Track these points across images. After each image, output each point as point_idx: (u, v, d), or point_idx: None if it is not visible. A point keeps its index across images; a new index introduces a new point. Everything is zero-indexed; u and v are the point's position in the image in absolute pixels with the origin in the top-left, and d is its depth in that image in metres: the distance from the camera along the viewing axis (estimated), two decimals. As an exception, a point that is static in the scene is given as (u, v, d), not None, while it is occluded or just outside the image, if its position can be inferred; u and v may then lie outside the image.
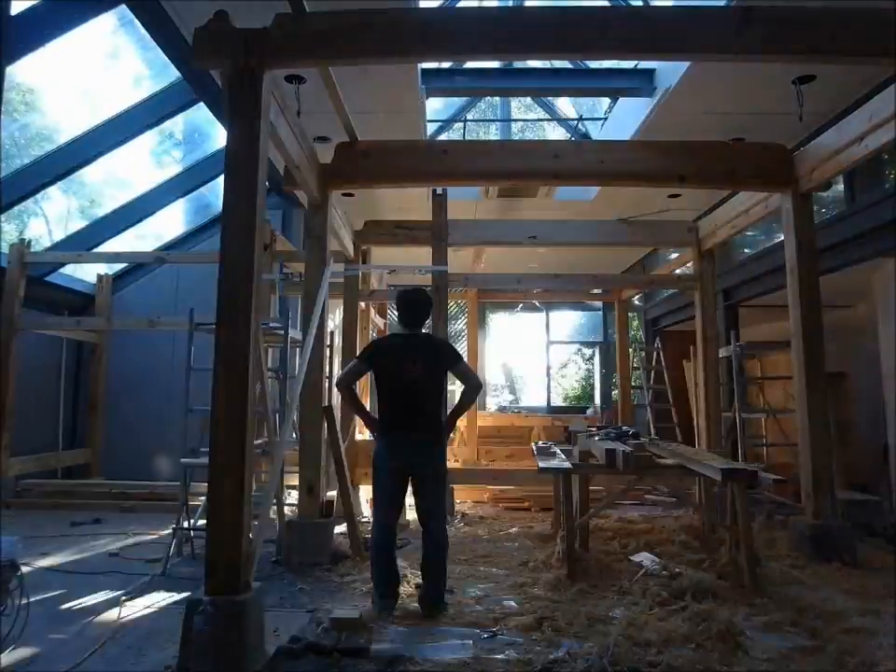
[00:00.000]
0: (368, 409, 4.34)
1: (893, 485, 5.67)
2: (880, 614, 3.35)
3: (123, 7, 4.82)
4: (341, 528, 4.97)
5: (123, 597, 3.69)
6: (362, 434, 7.04)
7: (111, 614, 3.45)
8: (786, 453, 6.36)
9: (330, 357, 6.24)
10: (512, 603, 3.61)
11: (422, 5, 5.48)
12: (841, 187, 5.87)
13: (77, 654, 2.89)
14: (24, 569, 3.03)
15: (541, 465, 4.56)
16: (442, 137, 9.06)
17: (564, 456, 5.05)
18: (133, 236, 8.11)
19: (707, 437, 6.38)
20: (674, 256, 8.82)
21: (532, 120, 12.36)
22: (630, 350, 10.11)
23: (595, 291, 10.67)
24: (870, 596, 3.68)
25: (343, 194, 6.53)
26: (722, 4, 4.99)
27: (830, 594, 3.75)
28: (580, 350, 15.18)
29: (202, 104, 6.17)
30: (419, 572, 3.67)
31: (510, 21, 3.37)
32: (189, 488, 4.74)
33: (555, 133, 11.06)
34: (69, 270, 8.26)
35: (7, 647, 2.81)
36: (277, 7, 3.34)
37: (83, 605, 3.62)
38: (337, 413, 5.43)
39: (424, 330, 3.84)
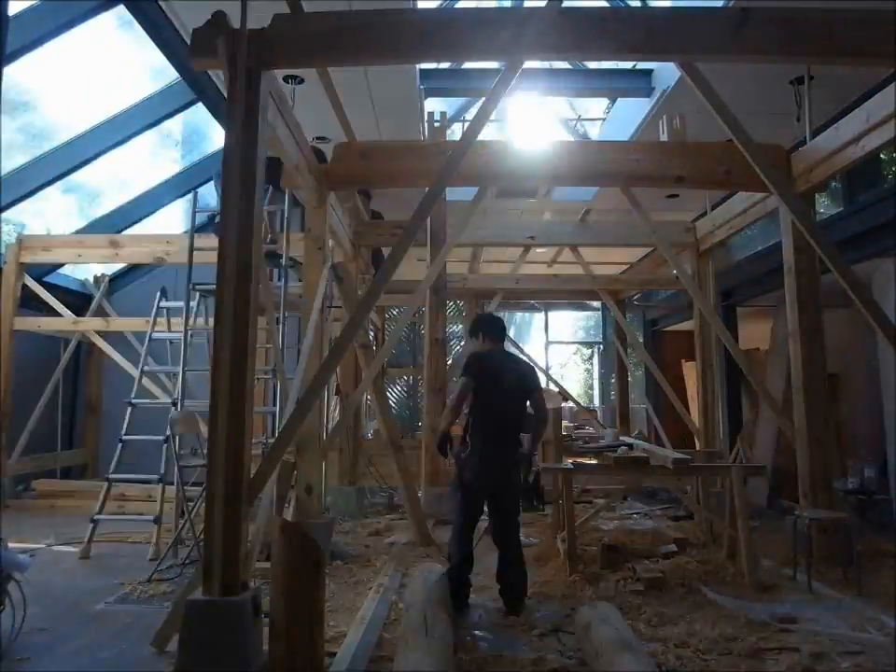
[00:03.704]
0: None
1: (892, 483, 5.68)
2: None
3: (122, 7, 4.82)
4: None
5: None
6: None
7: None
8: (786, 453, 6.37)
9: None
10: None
11: (420, 6, 5.50)
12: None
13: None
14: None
15: (542, 465, 4.58)
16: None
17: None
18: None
19: (704, 437, 6.39)
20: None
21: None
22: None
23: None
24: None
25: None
26: (720, 4, 5.00)
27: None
28: (578, 350, 15.20)
29: (200, 104, 6.18)
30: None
31: (508, 22, 3.37)
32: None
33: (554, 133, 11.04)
34: (67, 270, 8.27)
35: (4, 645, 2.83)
36: (276, 7, 3.34)
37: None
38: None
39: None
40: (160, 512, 4.82)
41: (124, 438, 5.10)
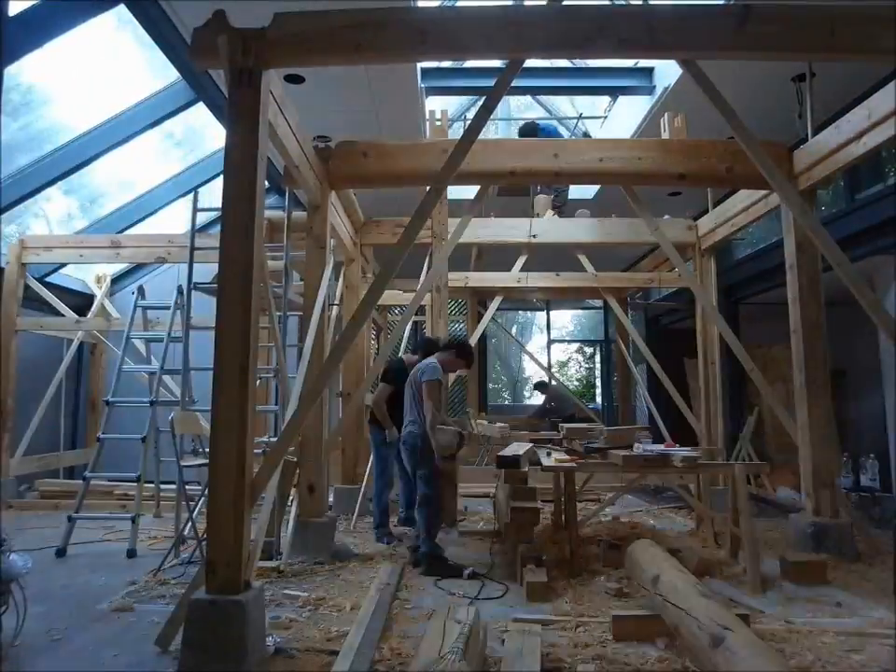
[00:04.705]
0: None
1: (895, 480, 5.69)
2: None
3: (122, 6, 4.82)
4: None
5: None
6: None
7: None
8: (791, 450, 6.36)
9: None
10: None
11: (420, 5, 5.49)
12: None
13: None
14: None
15: (545, 462, 4.56)
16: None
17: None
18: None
19: (707, 435, 6.39)
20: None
21: (531, 119, 12.33)
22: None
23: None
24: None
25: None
26: (722, 2, 4.99)
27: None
28: (581, 348, 15.20)
29: (201, 103, 6.17)
30: None
31: (508, 21, 3.36)
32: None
33: (555, 131, 11.02)
34: (69, 270, 8.28)
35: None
36: (276, 7, 3.34)
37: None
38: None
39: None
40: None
41: (101, 436, 5.23)
